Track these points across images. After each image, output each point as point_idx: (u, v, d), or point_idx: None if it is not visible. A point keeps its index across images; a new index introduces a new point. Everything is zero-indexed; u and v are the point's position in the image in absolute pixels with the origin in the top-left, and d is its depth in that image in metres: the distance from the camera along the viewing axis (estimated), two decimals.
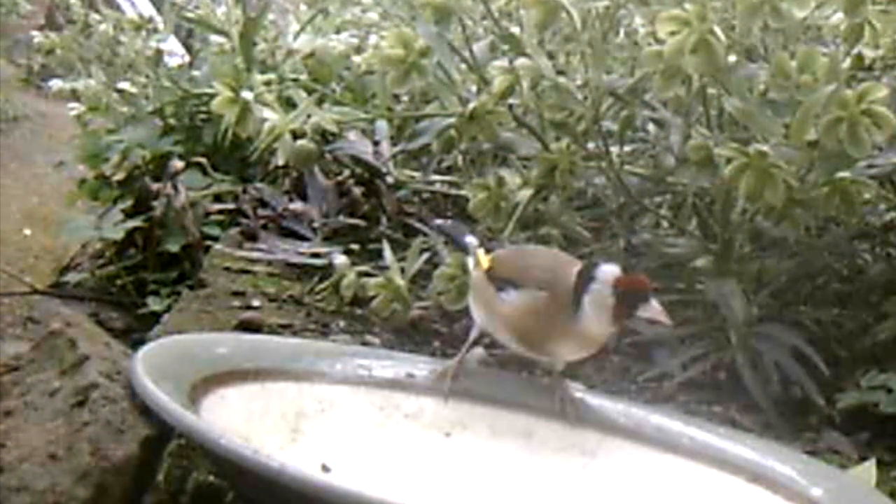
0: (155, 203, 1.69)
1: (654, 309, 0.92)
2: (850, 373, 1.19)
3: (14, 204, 2.68)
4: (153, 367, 0.87)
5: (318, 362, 0.99)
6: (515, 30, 1.30)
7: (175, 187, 1.68)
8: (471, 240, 1.10)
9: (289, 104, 1.36)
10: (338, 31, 1.84)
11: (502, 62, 1.26)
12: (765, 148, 1.09)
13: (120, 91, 1.91)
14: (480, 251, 1.05)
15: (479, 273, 1.02)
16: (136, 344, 0.99)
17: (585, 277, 0.94)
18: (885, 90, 1.08)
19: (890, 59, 1.23)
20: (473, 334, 1.02)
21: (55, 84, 2.08)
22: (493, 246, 1.09)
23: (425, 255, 1.29)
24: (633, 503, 0.92)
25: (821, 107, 1.08)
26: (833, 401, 1.15)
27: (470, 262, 1.08)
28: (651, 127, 1.33)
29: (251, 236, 1.57)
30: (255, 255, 1.50)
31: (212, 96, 1.35)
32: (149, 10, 2.43)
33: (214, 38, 1.86)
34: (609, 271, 0.93)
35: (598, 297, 0.93)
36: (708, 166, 1.17)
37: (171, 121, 1.86)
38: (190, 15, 1.72)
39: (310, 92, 1.38)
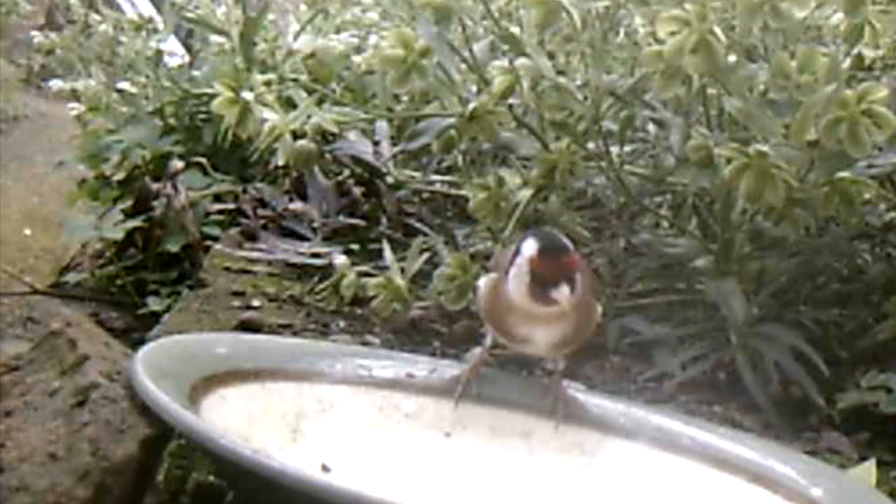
0: (155, 203, 1.69)
1: (561, 294, 0.89)
2: (850, 373, 1.19)
3: (14, 204, 2.68)
4: (153, 367, 0.87)
5: (318, 362, 0.99)
6: (515, 30, 1.30)
7: (175, 187, 1.69)
8: None
9: (289, 104, 1.36)
10: (338, 31, 1.84)
11: (502, 62, 1.26)
12: (765, 148, 1.09)
13: (120, 91, 1.91)
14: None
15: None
16: (136, 344, 0.99)
17: (516, 250, 0.92)
18: (885, 90, 1.08)
19: (890, 59, 1.23)
20: (488, 341, 1.01)
21: (55, 84, 2.08)
22: None
23: (425, 255, 1.29)
24: (632, 503, 0.92)
25: (821, 107, 1.08)
26: (833, 401, 1.15)
27: None
28: (651, 127, 1.33)
29: (251, 236, 1.57)
30: (255, 255, 1.50)
31: (212, 96, 1.35)
32: (149, 10, 2.43)
33: (214, 38, 1.86)
34: (529, 248, 0.91)
35: (519, 273, 0.91)
36: (708, 166, 1.17)
37: (171, 121, 1.86)
38: (190, 15, 1.72)
39: (310, 92, 1.38)
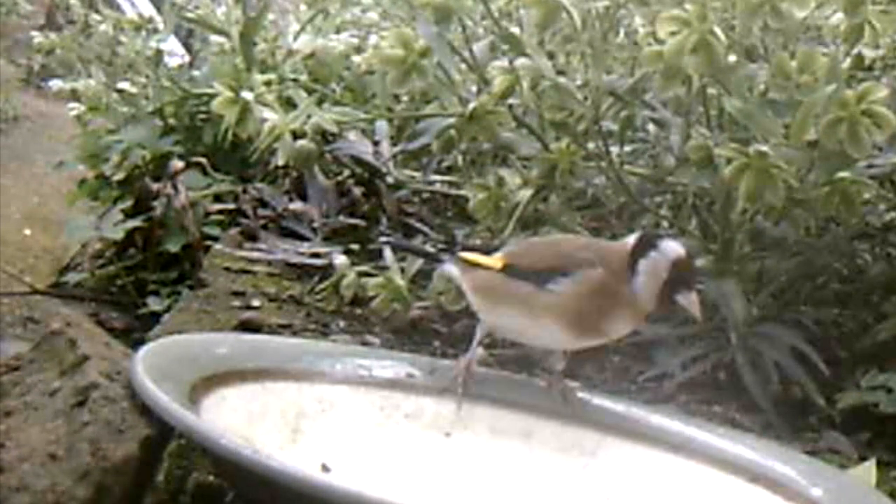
0: (155, 203, 1.69)
1: (691, 300, 0.95)
2: (850, 373, 1.19)
3: (14, 204, 2.68)
4: (153, 367, 0.87)
5: (318, 362, 0.99)
6: (515, 30, 1.30)
7: (175, 187, 1.69)
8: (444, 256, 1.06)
9: (289, 104, 1.37)
10: (338, 31, 1.84)
11: (502, 62, 1.26)
12: (765, 148, 1.09)
13: (120, 91, 1.91)
14: (472, 255, 1.03)
15: (489, 274, 1.00)
16: (136, 344, 0.99)
17: (645, 244, 0.95)
18: (885, 90, 1.08)
19: (890, 59, 1.23)
20: (479, 336, 1.01)
21: (55, 84, 2.08)
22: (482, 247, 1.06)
23: None
24: (632, 503, 0.92)
25: (821, 107, 1.08)
26: (833, 401, 1.15)
27: (450, 270, 1.05)
28: (651, 127, 1.33)
29: (251, 236, 1.57)
30: (255, 255, 1.50)
31: (212, 96, 1.35)
32: (149, 10, 2.44)
33: (214, 38, 1.86)
34: (673, 248, 0.95)
35: (654, 267, 0.95)
36: (708, 166, 1.17)
37: (171, 121, 1.86)
38: (190, 15, 1.72)
39: (310, 92, 1.38)
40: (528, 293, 0.97)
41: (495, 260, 1.01)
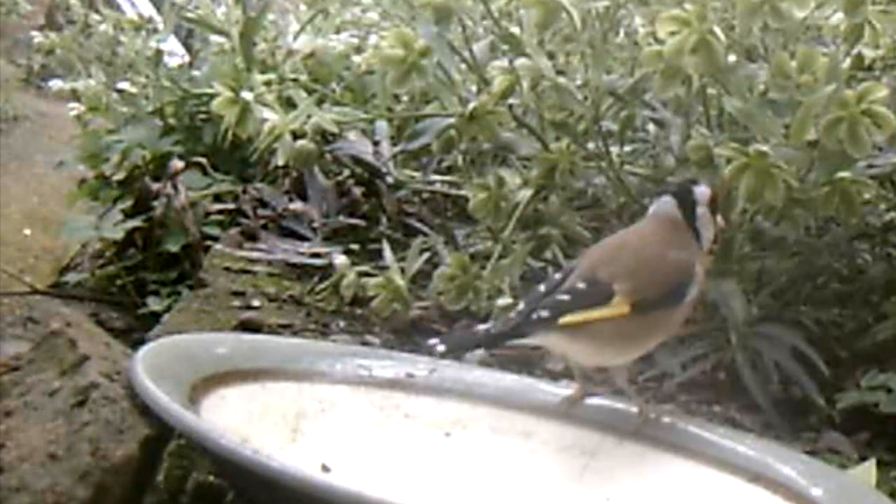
0: (155, 203, 1.69)
1: (719, 221, 1.00)
2: (850, 373, 1.19)
3: (14, 204, 2.68)
4: (153, 367, 0.87)
5: (318, 362, 0.99)
6: (515, 30, 1.30)
7: (175, 187, 1.68)
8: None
9: (289, 104, 1.37)
10: (338, 31, 1.84)
11: (502, 62, 1.26)
12: (765, 148, 1.09)
13: (120, 91, 1.91)
14: (580, 315, 0.92)
15: (619, 323, 0.93)
16: (136, 344, 0.99)
17: (689, 204, 0.98)
18: (885, 90, 1.08)
19: (890, 59, 1.23)
20: (627, 388, 0.99)
21: (55, 84, 2.08)
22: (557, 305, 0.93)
23: (425, 255, 1.29)
24: (632, 503, 0.92)
25: (821, 107, 1.08)
26: (833, 401, 1.15)
27: (546, 341, 0.94)
28: (651, 127, 1.33)
29: (251, 236, 1.58)
30: (255, 255, 1.50)
31: (212, 96, 1.36)
32: (149, 10, 2.44)
33: (214, 38, 1.86)
34: (703, 192, 0.99)
35: (706, 219, 0.99)
36: (708, 166, 1.17)
37: (171, 121, 1.86)
38: (190, 15, 1.72)
39: (310, 92, 1.38)
40: (666, 316, 0.96)
41: (617, 306, 0.93)
